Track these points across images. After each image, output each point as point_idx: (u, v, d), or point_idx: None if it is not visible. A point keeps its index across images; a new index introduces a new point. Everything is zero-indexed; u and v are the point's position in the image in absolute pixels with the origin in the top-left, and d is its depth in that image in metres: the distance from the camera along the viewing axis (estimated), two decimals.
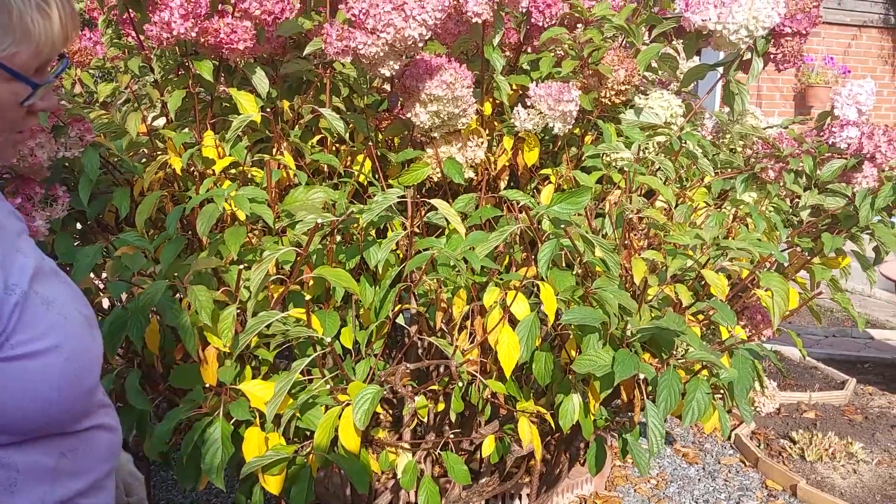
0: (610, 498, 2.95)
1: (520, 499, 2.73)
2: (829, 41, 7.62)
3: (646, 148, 1.99)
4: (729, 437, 3.45)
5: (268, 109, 1.68)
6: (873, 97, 2.19)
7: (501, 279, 1.44)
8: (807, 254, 2.03)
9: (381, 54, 1.49)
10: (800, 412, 3.74)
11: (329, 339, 1.32)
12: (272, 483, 1.30)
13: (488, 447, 1.53)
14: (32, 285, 0.78)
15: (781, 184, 2.04)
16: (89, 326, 0.85)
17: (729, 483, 3.10)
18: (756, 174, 2.07)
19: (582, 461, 1.95)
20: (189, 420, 1.36)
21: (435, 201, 1.49)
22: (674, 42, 2.09)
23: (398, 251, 1.68)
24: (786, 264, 1.98)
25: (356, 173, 1.75)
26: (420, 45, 1.50)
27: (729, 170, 2.15)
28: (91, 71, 2.06)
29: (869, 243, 2.06)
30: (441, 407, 1.59)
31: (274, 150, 1.72)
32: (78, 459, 0.87)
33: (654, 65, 2.08)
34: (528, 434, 1.39)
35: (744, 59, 2.07)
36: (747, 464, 3.25)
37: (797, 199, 2.09)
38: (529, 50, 1.97)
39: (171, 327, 1.39)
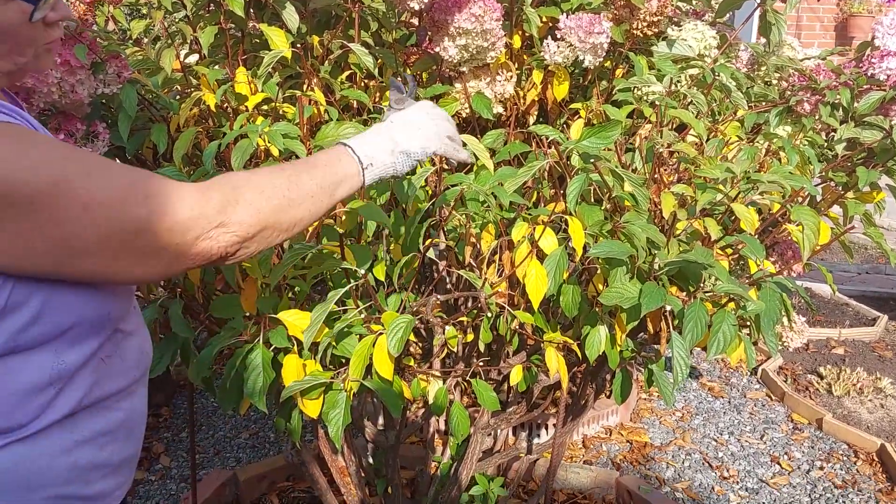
0: (635, 429, 3.01)
1: (546, 428, 2.80)
2: None
3: (678, 81, 1.97)
4: (755, 372, 3.48)
5: (298, 45, 1.69)
6: None
7: (530, 214, 1.46)
8: (840, 188, 2.02)
9: None
10: (829, 348, 3.75)
11: (363, 272, 1.35)
12: (311, 407, 1.35)
13: (516, 376, 1.57)
14: None
15: (817, 117, 2.01)
16: None
17: (754, 416, 3.14)
18: (791, 107, 2.04)
19: (608, 393, 2.00)
20: (230, 347, 1.41)
21: (464, 137, 1.50)
22: None
23: (427, 187, 1.70)
24: (818, 198, 1.97)
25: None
26: None
27: (763, 103, 2.12)
28: (122, 8, 2.07)
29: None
30: (470, 338, 1.63)
31: (305, 87, 1.73)
32: (114, 364, 0.93)
33: None
34: (555, 363, 1.43)
35: None
36: (773, 398, 3.29)
37: (833, 133, 2.06)
38: None
39: None
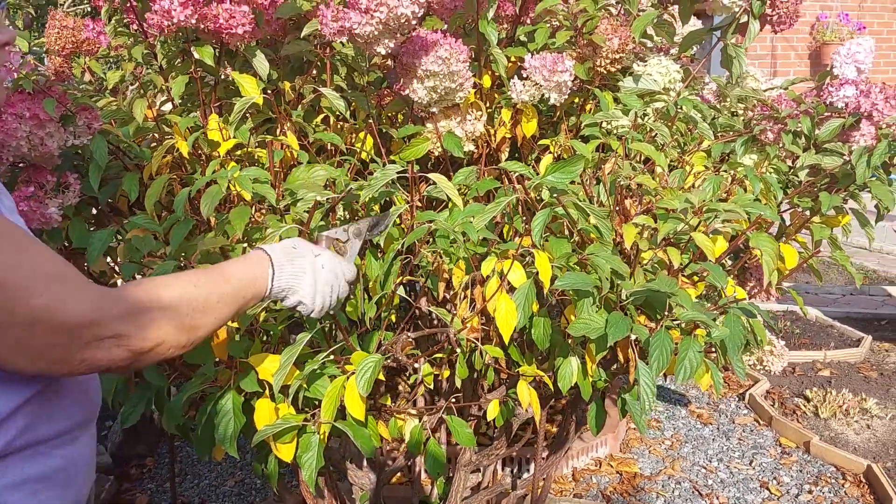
0: (625, 460, 3.01)
1: (535, 462, 2.79)
2: None
3: (645, 114, 2.01)
4: (743, 397, 3.49)
5: (269, 91, 1.72)
6: (872, 55, 2.19)
7: (499, 249, 1.48)
8: (808, 213, 2.05)
9: (376, 33, 1.53)
10: (815, 371, 3.77)
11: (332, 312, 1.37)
12: (284, 451, 1.36)
13: (493, 411, 1.58)
14: None
15: (780, 145, 2.06)
16: None
17: (743, 442, 3.14)
18: (755, 136, 2.09)
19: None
20: (203, 393, 1.42)
21: (432, 175, 1.53)
22: (670, 8, 2.10)
23: (402, 225, 1.73)
24: (776, 223, 2.01)
25: (358, 150, 1.79)
26: (413, 22, 1.53)
27: (730, 133, 2.17)
28: (100, 60, 2.11)
29: (871, 200, 2.08)
30: (446, 374, 1.65)
31: (278, 131, 1.77)
32: (52, 407, 0.91)
33: (651, 32, 2.10)
34: (527, 396, 1.44)
35: (741, 21, 2.08)
36: (761, 423, 3.29)
37: (797, 160, 2.11)
38: (528, 22, 2.00)
39: None
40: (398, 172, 1.52)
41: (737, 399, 3.53)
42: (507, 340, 1.41)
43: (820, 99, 2.12)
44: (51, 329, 0.81)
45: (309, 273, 1.11)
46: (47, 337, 0.82)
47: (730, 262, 2.10)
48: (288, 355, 1.29)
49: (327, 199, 1.43)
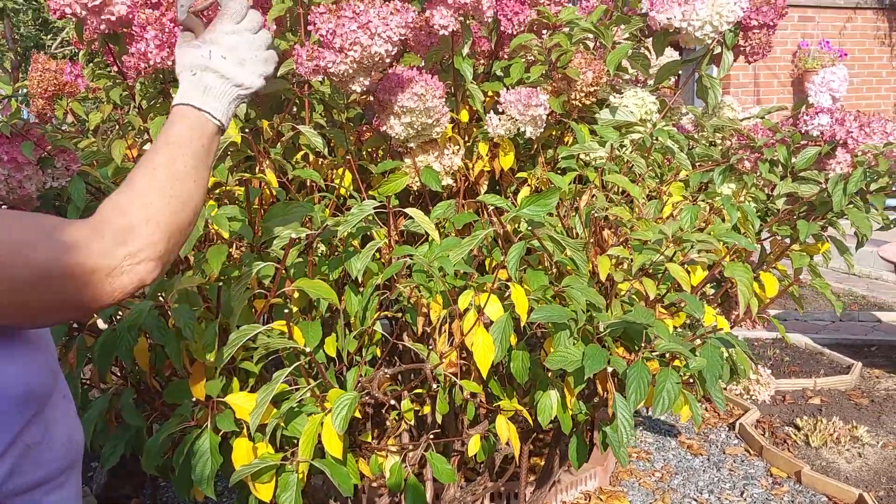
0: (614, 493, 2.98)
1: (520, 497, 2.77)
2: (824, 24, 7.62)
3: (622, 145, 2.03)
4: (733, 427, 3.48)
5: (249, 130, 1.74)
6: (846, 83, 2.23)
7: (476, 283, 1.48)
8: (788, 241, 2.07)
9: (351, 72, 1.54)
10: (805, 399, 3.76)
11: (310, 350, 1.37)
12: (263, 491, 1.35)
13: (474, 446, 1.57)
14: None
15: (758, 174, 2.07)
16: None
17: (734, 472, 3.12)
18: (733, 166, 2.11)
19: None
20: (182, 433, 1.41)
21: (409, 210, 1.54)
22: (645, 41, 2.13)
23: (381, 259, 1.73)
24: (757, 251, 2.02)
25: (337, 186, 1.80)
26: (388, 60, 1.55)
27: (708, 162, 2.19)
28: (82, 101, 2.12)
29: (850, 227, 2.09)
30: (427, 409, 1.64)
31: (257, 169, 1.78)
32: (39, 451, 0.89)
33: (626, 64, 2.12)
34: (506, 431, 1.43)
35: (715, 52, 2.11)
36: (752, 452, 3.28)
37: (775, 188, 2.12)
38: (504, 56, 2.02)
39: (161, 345, 1.45)
40: (375, 208, 1.52)
41: (727, 429, 3.51)
42: (484, 375, 1.41)
43: (796, 128, 2.15)
44: (66, 277, 0.81)
45: (222, 70, 1.01)
46: (66, 285, 0.82)
47: (712, 291, 2.11)
48: (264, 394, 1.28)
49: (304, 235, 1.43)
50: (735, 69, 7.69)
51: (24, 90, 2.12)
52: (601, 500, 2.95)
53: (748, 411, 3.56)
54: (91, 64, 1.63)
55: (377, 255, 1.69)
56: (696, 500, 2.93)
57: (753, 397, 2.65)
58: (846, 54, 7.41)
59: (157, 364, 1.53)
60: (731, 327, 1.98)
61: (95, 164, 1.77)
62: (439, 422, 1.64)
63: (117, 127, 1.68)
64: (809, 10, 7.61)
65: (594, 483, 3.02)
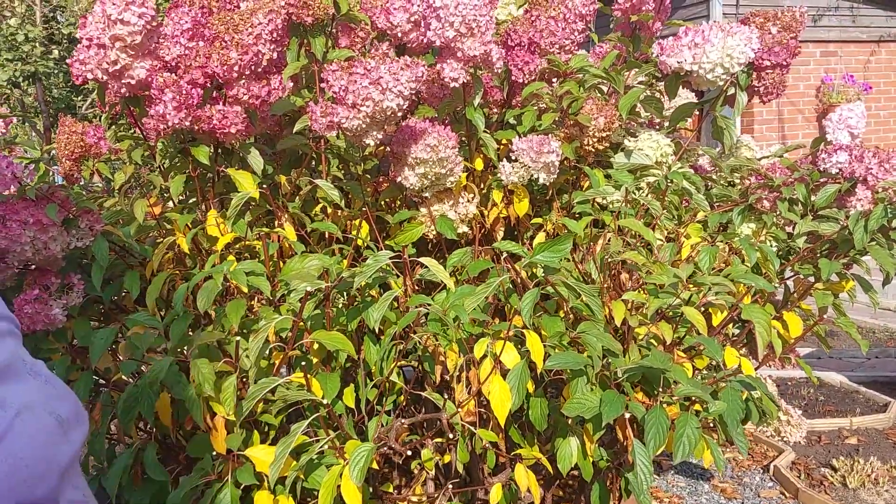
0: None
1: None
2: (847, 59, 7.61)
3: (639, 188, 2.04)
4: (768, 469, 3.40)
5: (265, 185, 1.77)
6: (864, 119, 2.22)
7: (493, 330, 1.49)
8: (811, 279, 2.05)
9: (364, 126, 1.58)
10: (841, 439, 3.67)
11: (328, 402, 1.38)
12: None
13: (496, 495, 1.56)
14: None
15: (777, 213, 2.07)
16: (61, 429, 0.87)
17: None
18: (752, 205, 2.10)
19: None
20: (206, 486, 1.43)
21: (424, 259, 1.56)
22: (657, 84, 2.15)
23: (399, 308, 1.75)
24: (780, 291, 2.00)
25: (354, 237, 1.83)
26: (399, 114, 1.58)
27: (727, 203, 2.18)
28: (108, 162, 2.19)
29: (876, 264, 2.07)
30: (447, 458, 1.64)
31: (276, 223, 1.81)
32: None
33: (640, 108, 2.14)
34: (525, 480, 1.42)
35: (729, 93, 2.12)
36: (787, 495, 3.20)
37: (796, 227, 2.11)
38: (517, 105, 2.05)
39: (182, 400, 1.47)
40: (390, 258, 1.54)
41: (761, 471, 3.44)
42: (502, 423, 1.41)
43: (815, 166, 2.14)
44: None
45: None
46: None
47: (736, 332, 2.09)
48: (283, 447, 1.29)
49: (320, 287, 1.45)
50: (758, 106, 7.69)
51: (53, 152, 2.19)
52: None
53: (783, 453, 3.48)
54: (113, 126, 1.68)
55: (395, 305, 1.70)
56: None
57: (785, 438, 2.60)
58: (871, 88, 7.36)
59: (179, 418, 1.54)
60: (757, 368, 1.96)
61: (120, 223, 1.82)
62: (461, 471, 1.64)
63: (140, 187, 1.72)
64: (832, 45, 7.60)
65: None
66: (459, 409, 1.46)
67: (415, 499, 1.54)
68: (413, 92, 1.55)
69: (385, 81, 1.51)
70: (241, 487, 1.40)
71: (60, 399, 0.89)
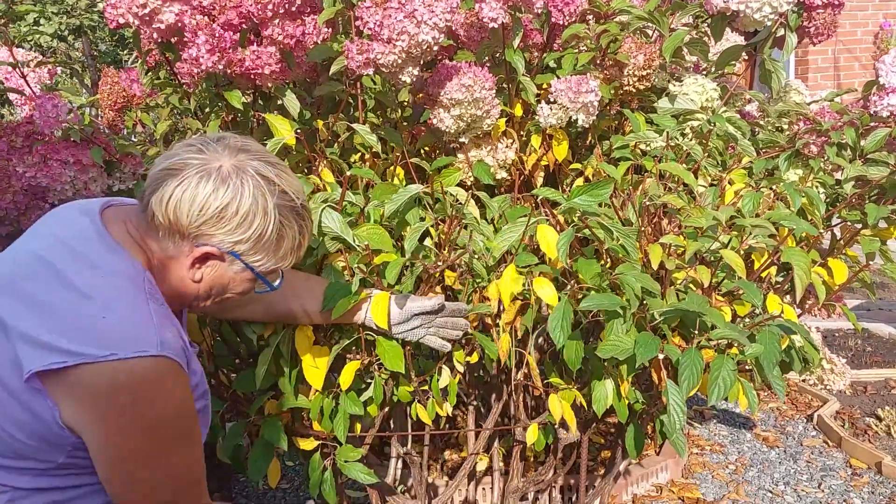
0: (686, 485, 2.94)
1: (586, 490, 2.75)
2: None
3: (683, 133, 2.00)
4: (811, 419, 3.38)
5: (302, 132, 1.78)
6: None
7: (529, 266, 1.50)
8: (859, 226, 2.00)
9: (399, 62, 1.57)
10: (888, 389, 3.62)
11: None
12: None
13: (532, 435, 1.58)
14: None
15: (825, 158, 2.01)
16: None
17: (811, 464, 3.03)
18: (799, 151, 2.05)
19: (658, 449, 1.96)
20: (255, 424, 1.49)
21: (452, 189, 1.56)
22: (702, 26, 2.09)
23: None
24: (827, 237, 1.96)
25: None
26: (435, 48, 1.56)
27: (774, 148, 2.13)
28: (150, 112, 2.21)
29: None
30: (474, 358, 1.64)
31: (315, 168, 1.82)
32: None
33: (686, 52, 2.09)
34: (559, 409, 1.43)
35: (777, 35, 2.06)
36: (831, 444, 3.18)
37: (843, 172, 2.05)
38: (559, 48, 2.01)
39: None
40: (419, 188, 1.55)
41: (805, 421, 3.41)
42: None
43: (865, 110, 2.07)
44: None
45: None
46: None
47: (780, 279, 2.05)
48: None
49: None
50: (814, 53, 7.42)
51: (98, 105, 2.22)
52: (673, 492, 2.90)
53: (827, 402, 3.45)
54: (150, 73, 1.69)
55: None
56: (770, 492, 2.86)
57: (828, 387, 2.56)
58: None
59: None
60: (800, 315, 1.92)
61: None
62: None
63: (179, 134, 1.75)
64: None
65: (666, 475, 2.98)
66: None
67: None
68: (448, 24, 1.53)
69: (420, 14, 1.49)
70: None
71: None
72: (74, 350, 0.96)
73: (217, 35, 1.43)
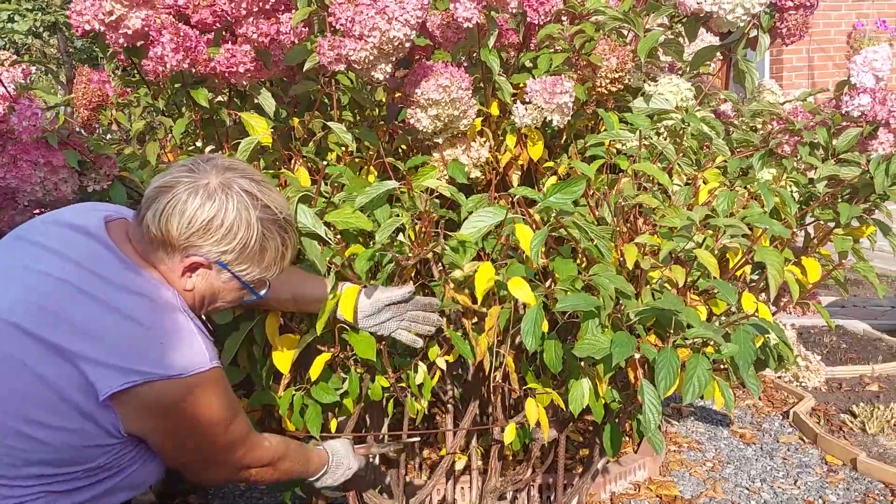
0: (664, 483, 2.95)
1: (564, 488, 2.76)
2: (881, 3, 7.39)
3: (658, 133, 2.01)
4: (787, 415, 3.41)
5: (278, 130, 1.77)
6: (890, 62, 2.15)
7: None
8: (832, 225, 2.02)
9: (371, 58, 1.56)
10: (862, 385, 3.66)
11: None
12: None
13: (509, 434, 1.58)
14: None
15: (798, 157, 2.03)
16: None
17: (787, 461, 3.06)
18: (772, 150, 2.07)
19: (635, 448, 1.96)
20: None
21: (428, 182, 1.56)
22: (676, 27, 2.10)
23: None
24: (800, 237, 1.98)
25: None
26: (407, 45, 1.56)
27: (748, 148, 2.15)
28: (124, 110, 2.19)
29: None
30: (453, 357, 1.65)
31: (290, 166, 1.81)
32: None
33: (661, 53, 2.10)
34: (535, 413, 1.44)
35: (751, 36, 2.07)
36: (807, 441, 3.21)
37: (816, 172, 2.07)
38: (535, 48, 2.02)
39: None
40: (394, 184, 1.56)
41: (781, 417, 3.45)
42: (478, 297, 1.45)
43: (837, 110, 2.09)
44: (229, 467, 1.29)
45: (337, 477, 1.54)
46: (227, 471, 1.31)
47: (755, 278, 2.07)
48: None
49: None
50: (788, 52, 7.50)
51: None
52: (651, 489, 2.92)
53: (802, 399, 3.49)
54: (124, 71, 1.68)
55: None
56: (748, 489, 2.88)
57: (803, 384, 2.59)
58: None
59: None
60: (774, 314, 1.94)
61: (137, 168, 1.83)
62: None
63: (152, 131, 1.73)
64: None
65: (644, 473, 3.00)
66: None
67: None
68: (419, 21, 1.52)
69: (391, 10, 1.49)
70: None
71: None
72: (144, 370, 1.09)
73: (182, 34, 1.42)
